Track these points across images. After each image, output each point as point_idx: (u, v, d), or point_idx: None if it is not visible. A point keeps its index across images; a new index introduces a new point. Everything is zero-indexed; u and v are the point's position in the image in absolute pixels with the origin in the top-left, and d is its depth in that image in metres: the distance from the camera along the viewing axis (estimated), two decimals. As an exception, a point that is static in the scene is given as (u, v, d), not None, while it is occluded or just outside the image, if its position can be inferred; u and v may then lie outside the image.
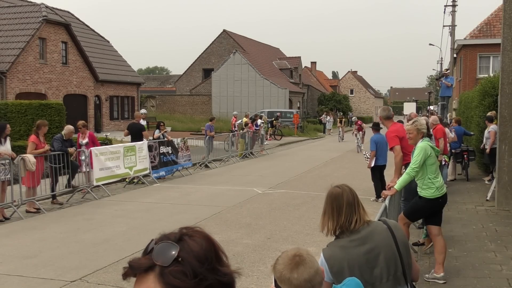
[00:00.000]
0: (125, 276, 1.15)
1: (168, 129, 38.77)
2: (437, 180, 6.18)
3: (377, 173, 11.91)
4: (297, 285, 2.18)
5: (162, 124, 17.08)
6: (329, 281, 2.92)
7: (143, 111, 17.48)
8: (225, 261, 1.20)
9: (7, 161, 10.25)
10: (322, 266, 2.85)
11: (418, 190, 6.39)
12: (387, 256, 2.97)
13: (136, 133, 15.14)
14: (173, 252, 1.11)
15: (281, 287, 2.24)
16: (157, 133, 16.59)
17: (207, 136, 19.78)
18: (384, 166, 12.02)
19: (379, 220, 3.25)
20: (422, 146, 6.11)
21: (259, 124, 25.79)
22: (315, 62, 78.18)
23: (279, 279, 2.23)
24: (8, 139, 10.66)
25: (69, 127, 12.20)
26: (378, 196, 11.48)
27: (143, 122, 16.53)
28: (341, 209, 3.01)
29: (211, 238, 1.20)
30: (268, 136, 32.90)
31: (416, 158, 6.07)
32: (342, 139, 33.72)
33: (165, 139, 16.38)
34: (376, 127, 12.64)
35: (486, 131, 13.26)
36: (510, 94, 10.17)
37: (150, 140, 15.58)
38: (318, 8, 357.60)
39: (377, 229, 3.04)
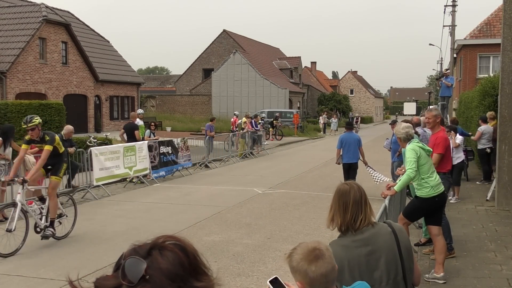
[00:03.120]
0: None
1: (168, 129, 38.95)
2: (431, 179, 6.19)
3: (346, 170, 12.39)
4: (312, 278, 2.18)
5: (152, 124, 17.04)
6: None
7: (140, 111, 17.46)
8: (205, 273, 1.11)
9: (7, 161, 10.25)
10: None
11: (415, 190, 6.42)
12: (388, 260, 2.96)
13: (130, 133, 15.23)
14: (140, 270, 1.03)
15: (293, 275, 2.25)
16: (147, 134, 16.33)
17: (207, 136, 19.78)
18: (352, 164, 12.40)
19: (384, 222, 3.23)
20: (410, 147, 6.16)
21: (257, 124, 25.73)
22: (315, 62, 78.15)
23: (294, 268, 2.23)
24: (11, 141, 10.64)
25: (68, 127, 12.21)
26: None
27: (140, 122, 16.51)
28: (348, 206, 3.00)
29: (188, 249, 1.10)
30: (270, 136, 32.90)
31: (408, 159, 6.10)
32: None
33: (156, 137, 16.33)
34: (350, 126, 13.13)
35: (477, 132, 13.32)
36: (510, 94, 10.17)
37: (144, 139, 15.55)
38: (318, 9, 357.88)
39: (381, 232, 3.03)
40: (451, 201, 11.62)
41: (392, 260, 2.97)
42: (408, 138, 6.25)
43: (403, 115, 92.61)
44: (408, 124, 6.52)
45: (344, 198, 3.03)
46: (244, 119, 25.72)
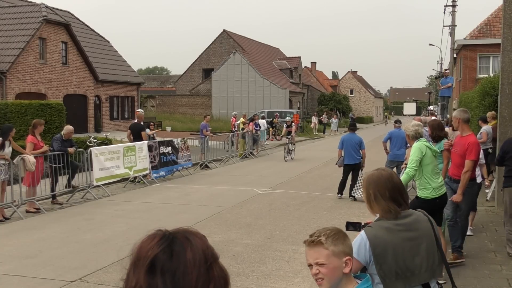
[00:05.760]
0: None
1: (168, 129, 38.91)
2: (434, 180, 6.16)
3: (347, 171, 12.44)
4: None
5: (152, 124, 17.05)
6: (363, 262, 2.87)
7: (139, 110, 17.44)
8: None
9: (7, 161, 10.25)
10: (362, 245, 2.86)
11: (417, 190, 6.40)
12: (428, 247, 2.98)
13: (136, 133, 15.20)
14: None
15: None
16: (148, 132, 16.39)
17: (206, 137, 19.71)
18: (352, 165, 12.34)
19: (418, 210, 3.21)
20: (417, 146, 6.15)
21: (258, 124, 25.71)
22: (315, 62, 78.13)
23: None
24: (11, 141, 10.65)
25: (68, 127, 12.21)
26: (339, 192, 12.32)
27: None
28: (395, 190, 2.97)
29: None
30: (270, 136, 32.86)
31: (411, 157, 6.11)
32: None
33: (155, 138, 16.33)
34: (352, 127, 13.06)
35: (479, 133, 13.27)
36: (510, 94, 10.17)
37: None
38: (318, 9, 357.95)
39: (420, 218, 3.04)
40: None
41: (431, 247, 2.99)
42: (416, 136, 6.26)
43: (403, 115, 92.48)
44: (418, 122, 6.50)
45: (392, 182, 2.99)
46: (242, 119, 25.69)
